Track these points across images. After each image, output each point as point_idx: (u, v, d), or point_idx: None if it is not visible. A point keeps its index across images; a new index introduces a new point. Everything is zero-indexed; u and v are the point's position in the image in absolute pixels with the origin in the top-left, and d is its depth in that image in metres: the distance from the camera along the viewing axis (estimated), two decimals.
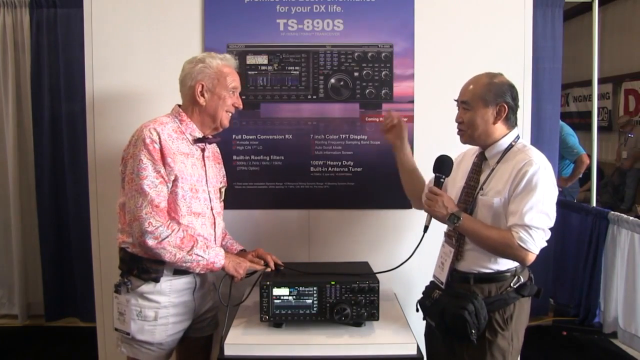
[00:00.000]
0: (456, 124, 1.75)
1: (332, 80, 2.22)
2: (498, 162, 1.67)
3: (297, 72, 2.21)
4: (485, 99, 1.65)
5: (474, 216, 1.66)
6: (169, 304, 1.71)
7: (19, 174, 3.53)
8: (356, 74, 2.22)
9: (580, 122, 7.29)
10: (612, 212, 3.29)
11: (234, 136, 2.22)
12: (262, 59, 2.21)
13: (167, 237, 1.60)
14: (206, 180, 1.77)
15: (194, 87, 1.71)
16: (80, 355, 2.97)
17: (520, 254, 1.57)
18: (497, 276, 1.66)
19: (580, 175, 4.30)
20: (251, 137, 2.23)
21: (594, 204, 3.64)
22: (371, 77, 2.22)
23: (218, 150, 1.96)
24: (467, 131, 1.70)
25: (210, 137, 1.81)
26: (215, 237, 1.80)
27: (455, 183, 1.81)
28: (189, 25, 2.19)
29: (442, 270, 1.75)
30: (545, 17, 3.36)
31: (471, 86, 1.69)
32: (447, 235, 1.79)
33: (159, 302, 1.70)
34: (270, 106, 2.23)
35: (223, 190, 1.89)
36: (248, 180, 2.23)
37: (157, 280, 1.68)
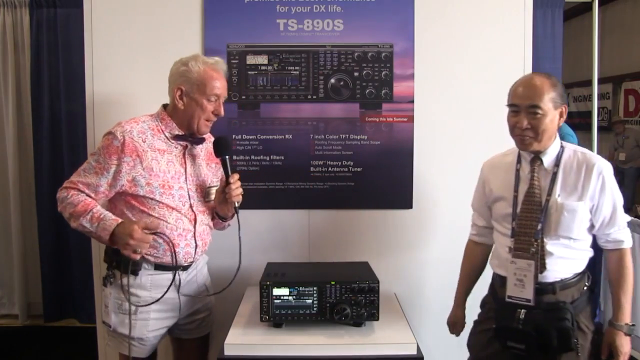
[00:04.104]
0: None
1: (332, 80, 2.22)
2: (556, 165, 1.62)
3: (297, 72, 2.21)
4: (555, 102, 1.56)
5: (553, 223, 1.59)
6: (150, 299, 1.70)
7: (19, 174, 3.54)
8: (356, 74, 2.22)
9: (580, 122, 7.28)
10: None
11: (234, 136, 2.22)
12: (262, 59, 2.21)
13: (64, 201, 1.64)
14: (185, 178, 1.75)
15: (174, 91, 1.71)
16: (80, 356, 2.97)
17: (630, 253, 1.65)
18: (577, 279, 1.64)
19: None
20: (251, 137, 2.23)
21: None
22: (371, 77, 2.22)
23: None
24: (535, 137, 1.57)
25: (191, 137, 1.76)
26: (195, 233, 1.75)
27: (499, 194, 1.72)
28: (189, 25, 2.20)
29: (524, 287, 1.61)
30: (545, 17, 3.36)
31: (533, 89, 1.56)
32: (517, 249, 1.63)
33: (139, 297, 1.69)
34: (270, 106, 2.23)
35: (213, 190, 1.84)
36: (248, 180, 2.22)
37: (135, 273, 1.68)
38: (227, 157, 1.76)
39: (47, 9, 3.29)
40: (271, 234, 2.27)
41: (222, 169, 1.80)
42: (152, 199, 1.67)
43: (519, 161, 1.69)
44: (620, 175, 6.97)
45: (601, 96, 7.45)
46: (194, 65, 1.70)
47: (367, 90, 2.22)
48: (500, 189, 1.72)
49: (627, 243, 1.64)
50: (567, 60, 3.93)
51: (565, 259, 1.62)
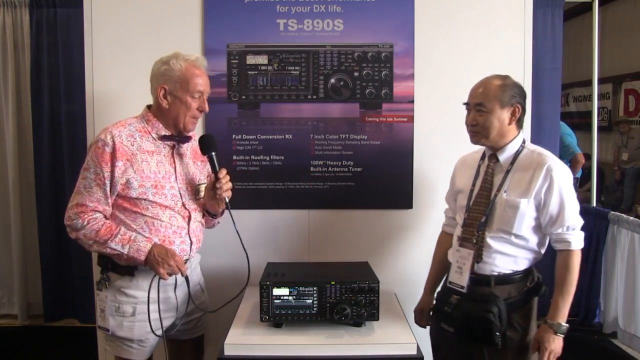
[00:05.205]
0: (462, 125, 1.76)
1: (332, 80, 2.22)
2: (512, 163, 1.70)
3: (297, 72, 2.21)
4: (501, 100, 1.66)
5: (496, 217, 1.67)
6: (147, 299, 1.70)
7: (19, 174, 3.53)
8: (356, 74, 2.22)
9: (580, 122, 7.29)
10: (612, 212, 3.29)
11: (234, 136, 2.23)
12: (262, 59, 2.21)
13: (81, 228, 1.63)
14: (175, 177, 1.75)
15: (157, 90, 1.71)
16: (80, 356, 2.97)
17: (579, 256, 1.65)
18: (516, 277, 1.68)
19: (577, 175, 4.30)
20: (251, 137, 2.23)
21: (594, 204, 3.64)
22: (371, 77, 2.22)
23: None
24: (482, 133, 1.69)
25: (178, 136, 1.76)
26: (189, 230, 1.76)
27: (460, 187, 1.83)
28: (189, 25, 2.20)
29: (461, 275, 1.71)
30: (545, 17, 3.36)
31: (483, 89, 1.69)
32: (463, 238, 1.74)
33: (136, 297, 1.69)
34: (270, 106, 2.23)
35: (202, 187, 1.83)
36: (248, 180, 2.23)
37: (132, 274, 1.68)
38: (213, 153, 1.76)
39: (47, 9, 3.28)
40: (271, 234, 2.27)
41: (208, 166, 1.80)
42: (145, 199, 1.67)
43: (482, 158, 1.79)
44: (621, 175, 6.97)
45: (601, 96, 7.45)
46: (175, 64, 1.70)
47: (367, 90, 2.22)
48: (462, 182, 1.83)
49: (575, 245, 1.65)
50: (567, 60, 3.93)
51: (504, 255, 1.67)
